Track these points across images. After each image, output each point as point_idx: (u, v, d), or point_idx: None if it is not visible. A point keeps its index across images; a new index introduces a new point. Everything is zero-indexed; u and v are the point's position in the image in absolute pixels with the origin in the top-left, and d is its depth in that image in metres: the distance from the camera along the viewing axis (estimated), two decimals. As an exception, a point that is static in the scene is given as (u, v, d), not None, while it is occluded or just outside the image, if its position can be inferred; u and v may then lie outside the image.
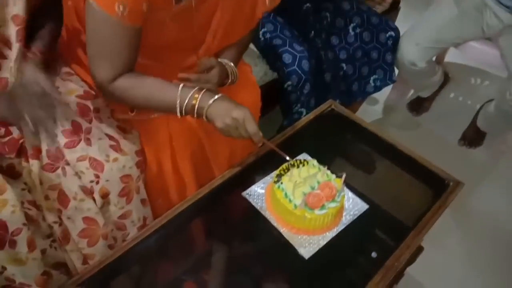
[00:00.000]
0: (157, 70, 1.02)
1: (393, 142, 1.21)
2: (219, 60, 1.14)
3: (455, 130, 2.12)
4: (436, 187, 1.13)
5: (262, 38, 1.59)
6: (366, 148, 1.29)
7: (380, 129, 1.26)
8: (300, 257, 0.93)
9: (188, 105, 0.96)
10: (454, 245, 1.68)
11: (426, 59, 1.73)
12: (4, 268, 0.88)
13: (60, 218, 0.96)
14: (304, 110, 1.59)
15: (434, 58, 1.98)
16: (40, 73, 0.96)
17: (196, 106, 0.95)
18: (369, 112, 2.15)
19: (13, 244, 0.87)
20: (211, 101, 0.95)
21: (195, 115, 0.97)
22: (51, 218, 0.95)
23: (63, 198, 0.95)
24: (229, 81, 1.15)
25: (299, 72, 1.52)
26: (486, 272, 1.59)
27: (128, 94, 0.98)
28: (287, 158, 1.02)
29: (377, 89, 1.76)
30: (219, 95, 0.96)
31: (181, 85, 0.97)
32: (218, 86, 1.12)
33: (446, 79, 2.18)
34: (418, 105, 2.22)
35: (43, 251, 0.95)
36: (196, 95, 0.95)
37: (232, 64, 1.16)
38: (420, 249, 1.33)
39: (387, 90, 2.00)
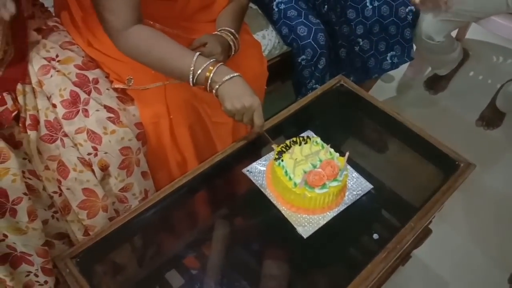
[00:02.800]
0: None
1: (402, 120, 1.17)
2: (217, 32, 1.13)
3: (473, 110, 2.04)
4: (446, 169, 1.09)
5: (276, 9, 1.53)
6: (375, 126, 1.25)
7: (391, 106, 1.21)
8: (299, 236, 0.91)
9: (201, 75, 0.94)
10: (465, 228, 1.64)
11: (444, 33, 1.64)
12: (6, 236, 0.88)
13: (60, 189, 0.96)
14: (318, 87, 1.54)
15: (454, 34, 1.89)
16: None
17: (210, 79, 0.93)
18: (384, 90, 2.09)
19: (13, 212, 0.87)
20: (226, 78, 0.92)
21: (208, 88, 0.95)
22: (51, 188, 0.95)
23: (63, 169, 0.95)
24: (233, 51, 1.12)
25: (315, 45, 1.47)
26: (498, 257, 1.55)
27: (143, 46, 0.97)
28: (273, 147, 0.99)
29: (394, 66, 1.69)
30: (236, 74, 0.94)
31: (197, 53, 0.95)
32: (226, 57, 1.10)
33: (465, 56, 2.09)
34: (435, 83, 2.14)
35: (45, 222, 0.96)
36: (211, 67, 0.93)
37: (231, 31, 1.13)
38: (428, 232, 1.29)
39: (403, 67, 1.93)
